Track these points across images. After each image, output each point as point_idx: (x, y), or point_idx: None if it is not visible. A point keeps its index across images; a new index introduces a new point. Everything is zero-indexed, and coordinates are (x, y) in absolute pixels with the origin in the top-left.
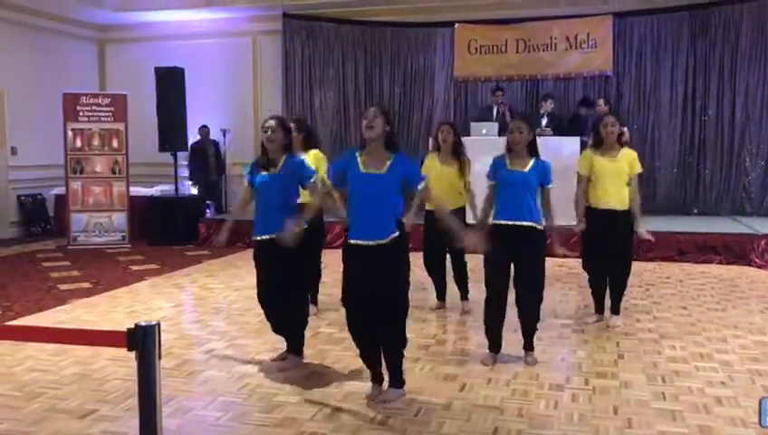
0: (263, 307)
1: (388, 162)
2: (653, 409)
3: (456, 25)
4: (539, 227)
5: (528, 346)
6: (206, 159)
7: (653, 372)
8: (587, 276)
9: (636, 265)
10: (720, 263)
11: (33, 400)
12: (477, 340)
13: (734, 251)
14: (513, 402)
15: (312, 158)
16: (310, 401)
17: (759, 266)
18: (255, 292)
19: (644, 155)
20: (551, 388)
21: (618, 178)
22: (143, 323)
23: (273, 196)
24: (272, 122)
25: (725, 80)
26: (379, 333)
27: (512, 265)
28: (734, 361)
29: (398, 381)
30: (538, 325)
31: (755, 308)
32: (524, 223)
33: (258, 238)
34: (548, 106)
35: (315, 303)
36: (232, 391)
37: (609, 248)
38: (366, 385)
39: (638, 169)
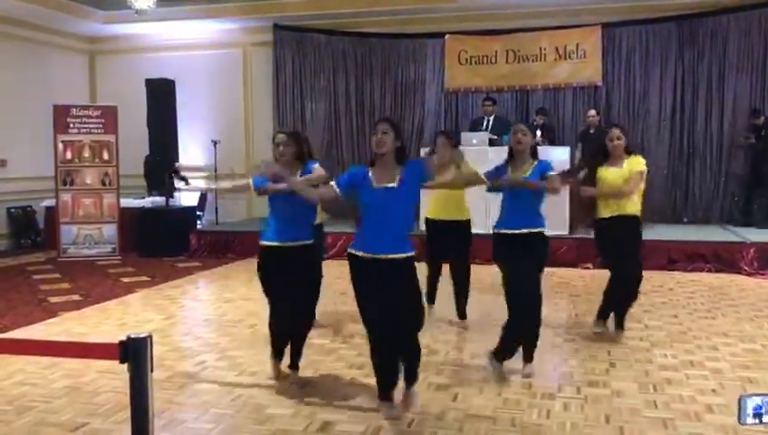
0: (274, 317)
1: (399, 175)
2: (645, 417)
3: (447, 36)
4: (545, 232)
5: (529, 358)
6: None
7: (644, 381)
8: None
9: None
10: (710, 271)
11: (23, 414)
12: (470, 350)
13: (724, 259)
14: (506, 412)
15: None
16: (302, 414)
17: (748, 274)
18: (246, 303)
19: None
20: (543, 397)
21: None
22: (135, 336)
23: (291, 207)
24: (282, 137)
25: (713, 89)
26: (401, 345)
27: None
28: (724, 368)
29: (415, 379)
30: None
31: (745, 316)
32: (533, 230)
33: (272, 244)
34: (539, 120)
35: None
36: (224, 402)
37: (621, 254)
38: (358, 395)
39: (638, 168)
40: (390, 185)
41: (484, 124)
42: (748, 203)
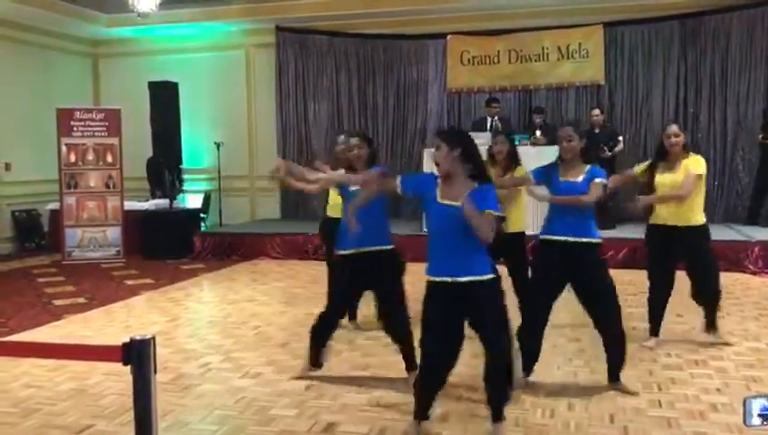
0: (327, 322)
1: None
2: (649, 416)
3: (449, 37)
4: (596, 241)
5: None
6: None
7: (649, 380)
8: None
9: (631, 274)
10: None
11: (28, 416)
12: (471, 350)
13: (729, 258)
14: (510, 412)
15: None
16: (306, 414)
17: (753, 273)
18: (250, 305)
19: (637, 163)
20: (547, 396)
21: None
22: (138, 338)
23: (368, 210)
24: (355, 140)
25: (717, 87)
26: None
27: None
28: (729, 367)
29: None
30: None
31: (750, 315)
32: (581, 239)
33: (353, 252)
34: (538, 120)
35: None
36: (228, 404)
37: (687, 266)
38: (362, 396)
39: (696, 170)
40: (454, 203)
41: (488, 125)
42: (756, 202)
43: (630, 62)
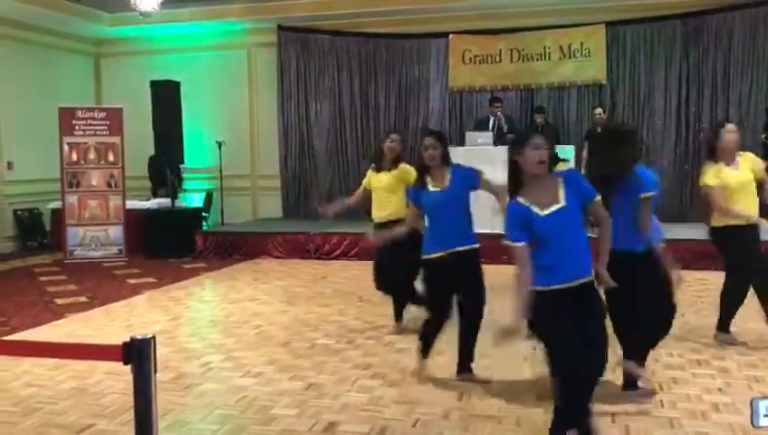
0: (435, 325)
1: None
2: (651, 416)
3: (451, 36)
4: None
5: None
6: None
7: (651, 380)
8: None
9: None
10: (716, 269)
11: (29, 415)
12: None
13: None
14: (511, 412)
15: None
16: (307, 414)
17: None
18: (252, 304)
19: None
20: (548, 397)
21: (749, 187)
22: (139, 337)
23: (451, 210)
24: (430, 140)
25: (718, 87)
26: None
27: None
28: (731, 367)
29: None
30: None
31: (752, 314)
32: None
33: (439, 255)
34: (540, 120)
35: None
36: (229, 403)
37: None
38: (363, 396)
39: (759, 163)
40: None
41: (490, 124)
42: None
43: (632, 61)
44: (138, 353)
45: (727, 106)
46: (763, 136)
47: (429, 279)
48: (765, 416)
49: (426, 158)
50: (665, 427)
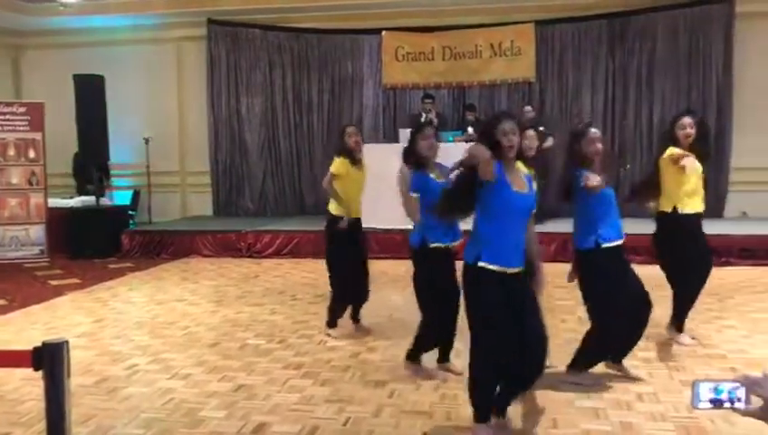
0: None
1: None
2: (577, 408)
3: (384, 33)
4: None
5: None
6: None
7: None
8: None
9: (552, 267)
10: (643, 263)
11: None
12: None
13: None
14: (442, 407)
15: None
16: (236, 416)
17: None
18: (180, 304)
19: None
20: None
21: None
22: (50, 341)
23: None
24: (430, 130)
25: (643, 86)
26: None
27: None
28: (653, 358)
29: None
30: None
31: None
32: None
33: (447, 245)
34: (471, 116)
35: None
36: (155, 407)
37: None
38: (293, 396)
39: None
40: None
41: (422, 120)
42: None
43: (561, 60)
44: (49, 359)
45: (651, 105)
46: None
47: (435, 269)
48: (705, 400)
49: (426, 148)
50: (591, 417)
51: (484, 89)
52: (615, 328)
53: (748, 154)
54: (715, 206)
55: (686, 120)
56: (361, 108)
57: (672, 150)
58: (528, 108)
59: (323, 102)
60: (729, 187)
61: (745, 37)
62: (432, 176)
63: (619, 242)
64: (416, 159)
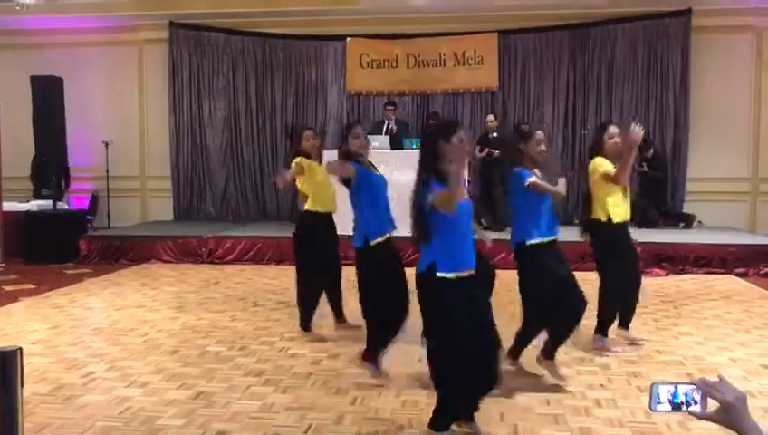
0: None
1: None
2: (537, 414)
3: (348, 39)
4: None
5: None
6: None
7: (537, 379)
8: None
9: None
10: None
11: None
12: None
13: None
14: (404, 413)
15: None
16: (195, 423)
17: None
18: (139, 311)
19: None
20: None
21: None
22: (3, 348)
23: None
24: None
25: (603, 95)
26: None
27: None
28: (611, 364)
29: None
30: None
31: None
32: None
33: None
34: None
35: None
36: (112, 415)
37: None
38: (254, 403)
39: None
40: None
41: (385, 127)
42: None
43: (523, 69)
44: (2, 367)
45: (611, 113)
46: (637, 164)
47: (384, 264)
48: (663, 402)
49: (359, 146)
50: (551, 424)
51: (447, 97)
52: (555, 316)
53: (703, 165)
54: None
55: (613, 129)
56: (325, 114)
57: (601, 161)
58: (490, 117)
59: (287, 108)
60: (685, 196)
61: (703, 50)
62: (372, 170)
63: (554, 238)
64: (351, 157)
